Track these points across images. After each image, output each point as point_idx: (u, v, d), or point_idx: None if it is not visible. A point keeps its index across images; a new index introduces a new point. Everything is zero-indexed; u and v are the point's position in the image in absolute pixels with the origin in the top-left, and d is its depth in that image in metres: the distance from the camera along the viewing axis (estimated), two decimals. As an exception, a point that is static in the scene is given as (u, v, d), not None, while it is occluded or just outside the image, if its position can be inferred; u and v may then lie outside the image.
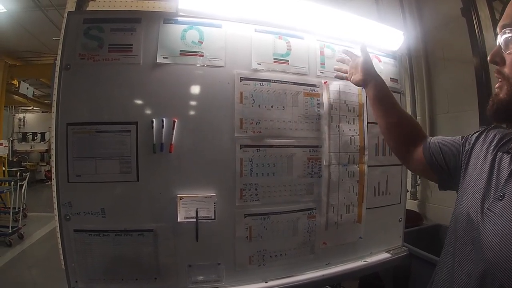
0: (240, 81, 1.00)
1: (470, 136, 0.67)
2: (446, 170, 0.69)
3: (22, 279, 2.71)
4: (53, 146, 0.94)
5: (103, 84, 0.91)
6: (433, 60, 2.17)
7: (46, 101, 7.73)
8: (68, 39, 0.91)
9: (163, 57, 0.94)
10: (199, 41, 0.97)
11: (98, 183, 0.90)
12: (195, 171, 0.95)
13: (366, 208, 1.17)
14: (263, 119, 1.02)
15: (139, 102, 0.93)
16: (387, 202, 1.25)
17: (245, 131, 1.00)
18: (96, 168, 0.90)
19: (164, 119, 0.92)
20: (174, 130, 0.93)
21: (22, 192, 4.09)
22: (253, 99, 1.01)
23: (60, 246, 0.92)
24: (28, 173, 4.99)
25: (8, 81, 5.77)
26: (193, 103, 0.97)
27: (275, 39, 1.06)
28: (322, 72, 1.12)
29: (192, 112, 0.96)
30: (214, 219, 0.95)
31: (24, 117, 9.07)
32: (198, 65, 0.96)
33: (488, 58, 0.54)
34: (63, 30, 0.94)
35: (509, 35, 0.50)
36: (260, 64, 1.02)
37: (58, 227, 0.91)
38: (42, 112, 8.95)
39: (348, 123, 1.15)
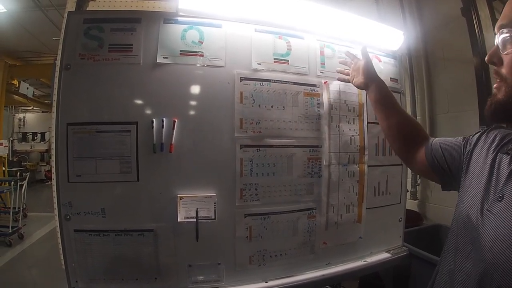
0: (240, 81, 1.00)
1: (471, 137, 0.68)
2: (448, 172, 0.70)
3: (22, 279, 2.71)
4: (53, 146, 0.94)
5: (103, 84, 0.91)
6: (433, 60, 2.17)
7: (46, 101, 7.73)
8: (68, 39, 0.91)
9: (163, 57, 0.94)
10: (199, 41, 0.97)
11: (98, 183, 0.90)
12: (195, 171, 0.95)
13: (366, 208, 1.17)
14: (263, 119, 1.02)
15: (139, 102, 0.93)
16: (387, 202, 1.25)
17: (245, 131, 1.00)
18: (96, 168, 0.90)
19: (164, 119, 0.92)
20: (174, 130, 0.93)
21: (22, 192, 4.08)
22: (253, 99, 1.01)
23: (60, 246, 0.92)
24: (28, 173, 4.99)
25: (8, 81, 5.76)
26: (193, 103, 0.97)
27: (275, 39, 1.06)
28: (322, 72, 1.12)
29: (192, 112, 0.96)
30: (214, 219, 0.95)
31: (24, 117, 9.07)
32: (198, 65, 0.96)
33: (486, 59, 0.54)
34: (63, 30, 0.94)
35: (507, 35, 0.50)
36: (260, 64, 1.02)
37: (58, 227, 0.91)
38: (42, 112, 8.95)
39: (348, 123, 1.15)
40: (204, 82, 0.97)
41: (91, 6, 1.03)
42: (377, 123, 1.11)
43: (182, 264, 0.95)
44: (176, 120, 0.93)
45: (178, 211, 0.93)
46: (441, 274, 0.62)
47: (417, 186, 2.24)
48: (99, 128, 0.90)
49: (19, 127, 9.00)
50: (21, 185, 4.10)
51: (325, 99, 1.11)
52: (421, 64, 2.21)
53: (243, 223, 1.00)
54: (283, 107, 1.04)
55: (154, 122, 0.92)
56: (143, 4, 1.07)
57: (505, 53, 0.51)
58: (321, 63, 1.12)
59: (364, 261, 1.17)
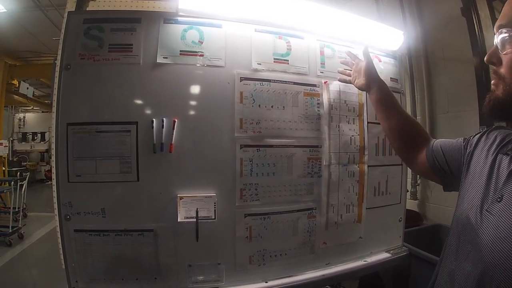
0: (240, 81, 1.00)
1: (471, 137, 0.68)
2: (449, 174, 0.70)
3: (22, 279, 2.71)
4: (53, 146, 0.94)
5: (103, 84, 0.91)
6: (433, 60, 2.17)
7: (46, 101, 7.73)
8: (68, 39, 0.91)
9: (163, 57, 0.94)
10: (199, 41, 0.97)
11: (98, 183, 0.90)
12: (195, 171, 0.96)
13: (366, 208, 1.17)
14: (263, 119, 1.02)
15: (139, 102, 0.93)
16: (387, 202, 1.25)
17: (245, 131, 1.00)
18: (96, 168, 0.90)
19: (164, 119, 0.92)
20: (174, 130, 0.93)
21: (22, 192, 4.09)
22: (253, 99, 1.01)
23: (60, 246, 0.92)
24: (28, 173, 4.99)
25: (8, 81, 5.77)
26: (193, 103, 0.97)
27: (275, 39, 1.06)
28: (322, 72, 1.12)
29: (192, 112, 0.96)
30: (214, 219, 0.95)
31: (24, 117, 9.08)
32: (198, 65, 0.96)
33: (485, 59, 0.54)
34: (63, 30, 0.94)
35: (506, 35, 0.50)
36: (260, 64, 1.02)
37: (58, 227, 0.91)
38: (42, 112, 8.96)
39: (348, 123, 1.15)
40: (204, 82, 0.97)
41: (91, 6, 1.03)
42: (377, 123, 1.11)
43: (182, 264, 0.95)
44: (176, 120, 0.93)
45: (178, 211, 0.93)
46: (442, 274, 0.62)
47: (417, 186, 2.24)
48: (99, 128, 0.90)
49: (19, 127, 9.01)
50: (21, 185, 4.10)
51: (325, 99, 1.11)
52: (421, 64, 2.21)
53: (243, 223, 1.00)
54: (283, 107, 1.04)
55: (154, 122, 0.92)
56: (143, 4, 1.07)
57: (504, 53, 0.51)
58: (321, 63, 1.12)
59: (364, 261, 1.17)
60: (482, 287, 0.49)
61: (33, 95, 6.90)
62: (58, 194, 0.90)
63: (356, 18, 1.11)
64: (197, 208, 0.94)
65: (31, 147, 8.94)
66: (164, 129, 0.92)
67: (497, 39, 0.52)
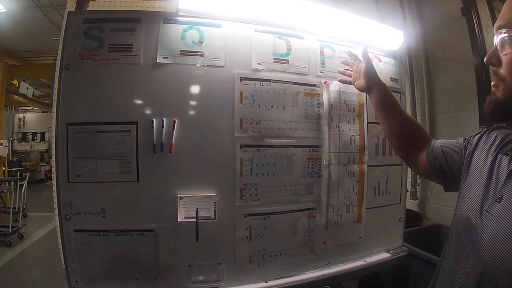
0: (240, 81, 1.00)
1: (471, 138, 0.68)
2: (450, 174, 0.70)
3: (22, 279, 2.71)
4: (53, 146, 0.94)
5: (103, 84, 0.91)
6: (433, 60, 2.17)
7: (46, 101, 7.73)
8: (68, 39, 0.91)
9: (163, 57, 0.94)
10: (199, 41, 0.97)
11: (98, 183, 0.90)
12: (195, 171, 0.95)
13: (366, 208, 1.17)
14: (263, 119, 1.02)
15: (139, 102, 0.93)
16: (387, 202, 1.25)
17: (245, 131, 1.00)
18: (96, 168, 0.90)
19: (164, 119, 0.92)
20: (174, 130, 0.93)
21: (22, 192, 4.09)
22: (253, 99, 1.01)
23: (60, 246, 0.92)
24: (28, 173, 4.99)
25: (8, 81, 5.76)
26: (193, 103, 0.97)
27: (275, 39, 1.06)
28: (322, 72, 1.12)
29: (192, 112, 0.96)
30: (214, 219, 0.95)
31: (24, 117, 9.08)
32: (198, 65, 0.96)
33: (485, 60, 0.54)
34: (63, 30, 0.94)
35: (505, 35, 0.50)
36: (260, 64, 1.02)
37: (58, 227, 0.91)
38: (42, 112, 8.96)
39: (348, 123, 1.15)
40: (204, 82, 0.97)
41: (91, 6, 1.03)
42: (377, 123, 1.11)
43: (182, 264, 0.95)
44: (176, 120, 0.93)
45: (178, 211, 0.93)
46: (442, 274, 0.62)
47: (417, 186, 2.24)
48: (99, 128, 0.90)
49: (19, 127, 9.01)
50: (21, 185, 4.10)
51: (325, 99, 1.11)
52: (421, 64, 2.21)
53: (243, 223, 1.00)
54: (283, 107, 1.04)
55: (154, 122, 0.92)
56: (143, 4, 1.07)
57: (503, 53, 0.51)
58: (321, 63, 1.12)
59: (364, 261, 1.17)
60: (481, 287, 0.49)
61: (33, 95, 6.90)
62: (58, 194, 0.90)
63: (356, 18, 1.11)
64: (197, 208, 0.94)
65: (31, 147, 8.94)
66: (164, 129, 0.92)
67: (497, 39, 0.52)
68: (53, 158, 0.93)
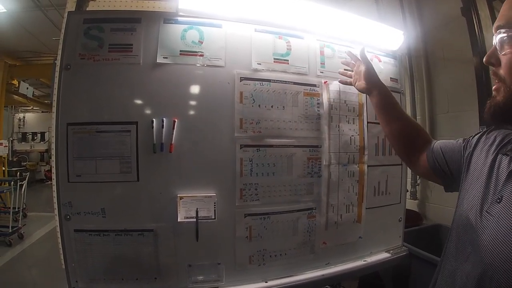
0: (240, 81, 1.00)
1: (471, 138, 0.68)
2: (450, 175, 0.70)
3: (22, 279, 2.71)
4: (53, 146, 0.94)
5: (103, 84, 0.91)
6: (433, 60, 2.17)
7: (46, 101, 7.73)
8: (68, 39, 0.91)
9: (163, 57, 0.94)
10: (199, 41, 0.97)
11: (98, 183, 0.90)
12: (195, 171, 0.96)
13: (366, 208, 1.17)
14: (263, 119, 1.02)
15: (139, 102, 0.93)
16: (387, 202, 1.25)
17: (245, 131, 1.00)
18: (96, 168, 0.90)
19: (164, 119, 0.92)
20: (174, 130, 0.93)
21: (22, 192, 4.09)
22: (253, 99, 1.01)
23: (60, 246, 0.92)
24: (28, 173, 5.00)
25: (8, 81, 5.77)
26: (193, 103, 0.97)
27: (275, 39, 1.06)
28: (322, 72, 1.12)
29: (192, 112, 0.96)
30: (214, 219, 0.95)
31: (24, 117, 9.08)
32: (198, 65, 0.96)
33: (484, 60, 0.54)
34: (63, 30, 0.94)
35: (504, 35, 0.50)
36: (260, 64, 1.02)
37: (58, 227, 0.91)
38: (42, 112, 8.96)
39: (348, 123, 1.15)
40: (204, 82, 0.97)
41: (91, 6, 1.03)
42: (377, 123, 1.11)
43: (182, 264, 0.95)
44: (176, 120, 0.93)
45: (178, 211, 0.93)
46: (443, 275, 0.62)
47: (417, 186, 2.24)
48: (99, 128, 0.90)
49: (19, 127, 9.01)
50: (21, 185, 4.10)
51: (325, 99, 1.11)
52: (421, 64, 2.22)
53: (243, 223, 1.00)
54: (283, 107, 1.04)
55: (154, 122, 0.92)
56: (143, 4, 1.07)
57: (502, 53, 0.51)
58: (321, 63, 1.12)
59: (364, 261, 1.17)
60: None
61: (33, 95, 6.90)
62: (58, 194, 0.90)
63: (356, 18, 1.11)
64: (197, 208, 0.94)
65: (31, 147, 8.94)
66: (164, 129, 0.92)
67: (496, 39, 0.52)
68: (53, 158, 0.93)
